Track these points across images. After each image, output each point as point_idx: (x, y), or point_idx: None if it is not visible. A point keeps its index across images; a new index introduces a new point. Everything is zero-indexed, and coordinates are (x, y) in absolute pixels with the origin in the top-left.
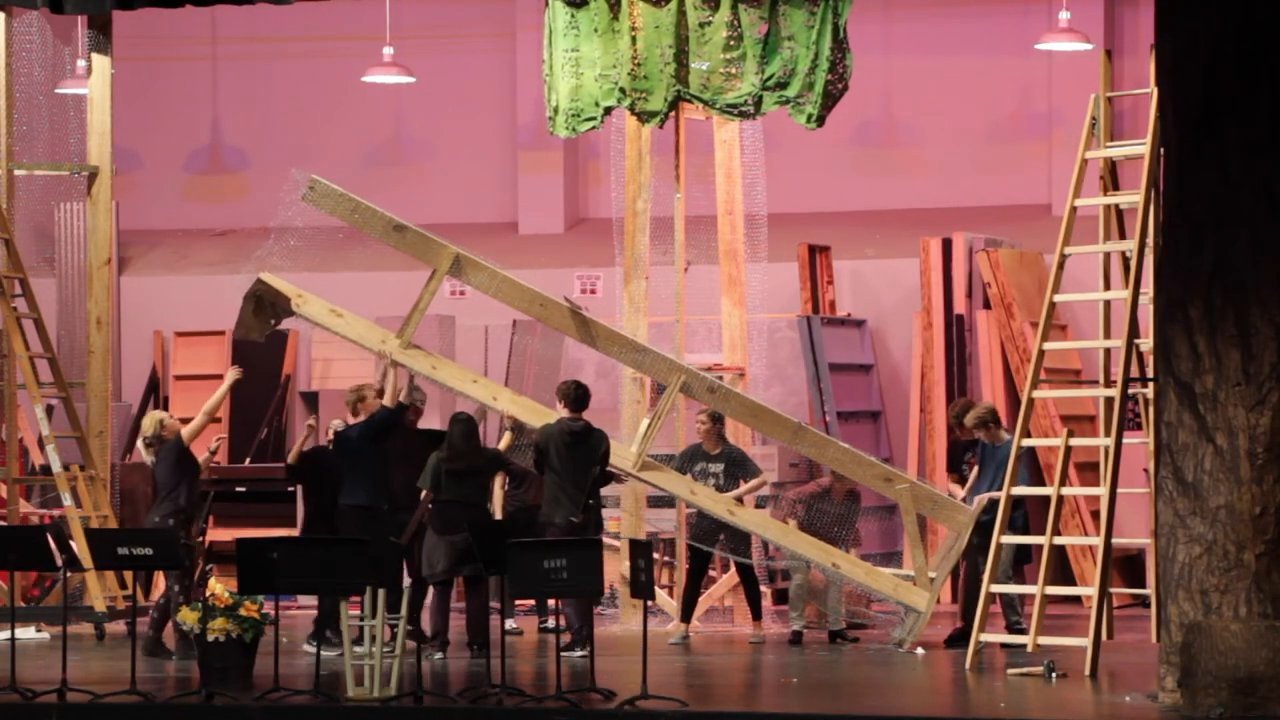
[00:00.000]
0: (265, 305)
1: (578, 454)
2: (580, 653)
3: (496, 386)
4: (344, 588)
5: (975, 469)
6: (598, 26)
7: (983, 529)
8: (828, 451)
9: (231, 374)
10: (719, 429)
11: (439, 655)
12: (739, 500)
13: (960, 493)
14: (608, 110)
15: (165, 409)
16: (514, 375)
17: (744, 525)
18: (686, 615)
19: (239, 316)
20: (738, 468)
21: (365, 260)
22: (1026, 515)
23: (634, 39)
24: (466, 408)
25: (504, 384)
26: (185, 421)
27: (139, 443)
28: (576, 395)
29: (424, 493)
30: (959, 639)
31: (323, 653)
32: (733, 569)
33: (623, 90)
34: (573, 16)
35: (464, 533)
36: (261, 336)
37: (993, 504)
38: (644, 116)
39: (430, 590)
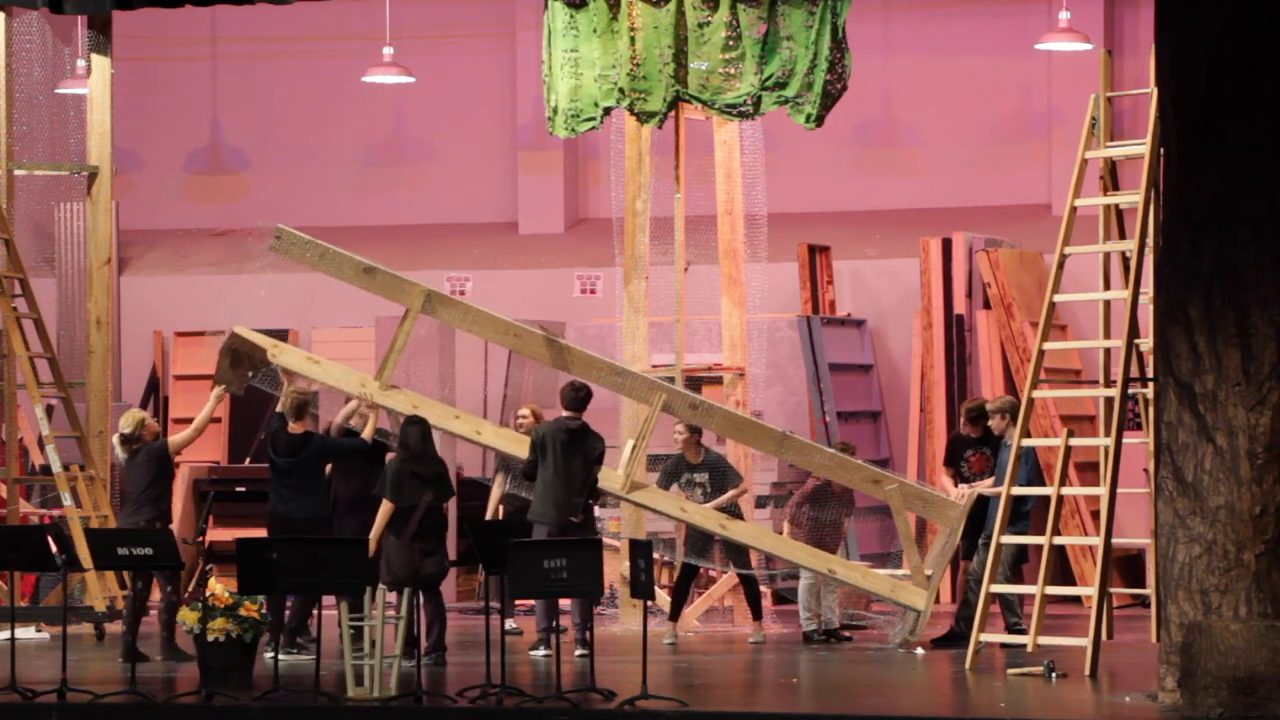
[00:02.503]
0: (242, 359)
1: (573, 452)
2: (544, 652)
3: (480, 421)
4: (344, 588)
5: (977, 466)
6: (597, 27)
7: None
8: (814, 458)
9: (214, 397)
10: (698, 438)
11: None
12: (728, 512)
13: (953, 489)
14: (607, 110)
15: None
16: (513, 380)
17: (738, 539)
18: (675, 614)
19: (217, 369)
20: (721, 475)
21: None
22: (1028, 515)
23: (633, 39)
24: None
25: (503, 388)
26: (180, 424)
27: (114, 439)
28: (574, 396)
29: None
30: (947, 639)
31: (295, 657)
32: (732, 568)
33: (622, 90)
34: (572, 17)
35: (424, 540)
36: (240, 389)
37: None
38: (643, 117)
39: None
